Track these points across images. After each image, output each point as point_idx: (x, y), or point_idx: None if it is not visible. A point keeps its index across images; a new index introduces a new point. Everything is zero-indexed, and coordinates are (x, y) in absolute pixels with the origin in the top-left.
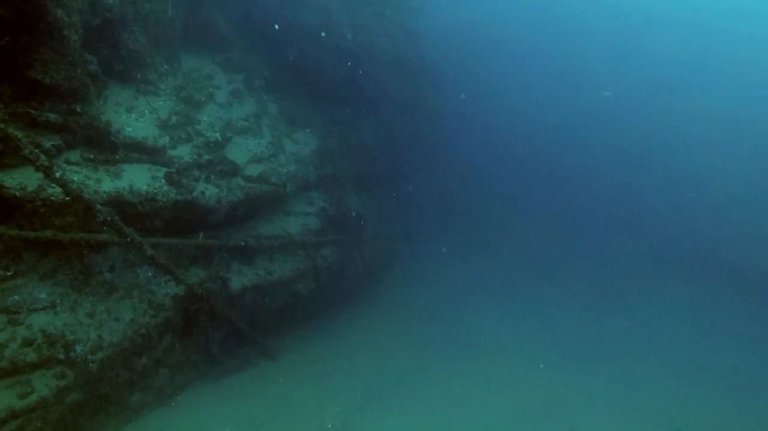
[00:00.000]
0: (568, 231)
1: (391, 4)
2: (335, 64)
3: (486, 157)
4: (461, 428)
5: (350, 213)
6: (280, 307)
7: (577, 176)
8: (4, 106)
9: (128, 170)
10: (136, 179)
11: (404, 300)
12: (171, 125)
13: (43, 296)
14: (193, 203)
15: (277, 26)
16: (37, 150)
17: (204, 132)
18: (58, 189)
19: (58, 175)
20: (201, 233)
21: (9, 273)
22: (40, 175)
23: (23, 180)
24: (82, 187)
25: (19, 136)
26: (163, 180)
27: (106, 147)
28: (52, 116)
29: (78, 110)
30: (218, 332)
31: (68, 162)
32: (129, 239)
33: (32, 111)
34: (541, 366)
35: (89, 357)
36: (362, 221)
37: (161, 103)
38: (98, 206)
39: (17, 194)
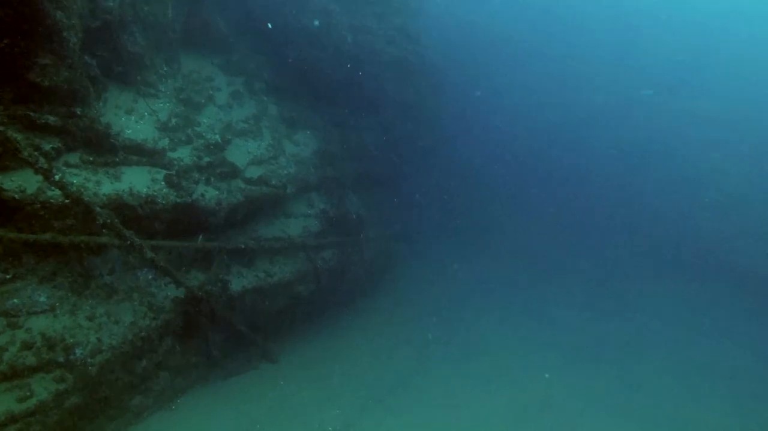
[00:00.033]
0: (568, 231)
1: (391, 6)
2: (335, 65)
3: (486, 157)
4: (461, 429)
5: (350, 215)
6: (281, 309)
7: (577, 176)
8: (3, 108)
9: (128, 172)
10: (136, 181)
11: (405, 301)
12: (171, 127)
13: (42, 299)
14: (192, 206)
15: (270, 25)
16: (36, 153)
17: (204, 134)
18: (58, 192)
19: (57, 177)
20: (200, 236)
21: (8, 276)
22: (40, 177)
23: (23, 183)
24: (82, 189)
25: (19, 138)
26: (162, 182)
27: (105, 149)
28: (51, 119)
29: (77, 112)
30: (218, 334)
31: (68, 165)
32: (129, 242)
33: (31, 114)
34: (547, 375)
35: (89, 360)
36: (362, 223)
37: (161, 105)
38: (98, 209)
39: (16, 196)
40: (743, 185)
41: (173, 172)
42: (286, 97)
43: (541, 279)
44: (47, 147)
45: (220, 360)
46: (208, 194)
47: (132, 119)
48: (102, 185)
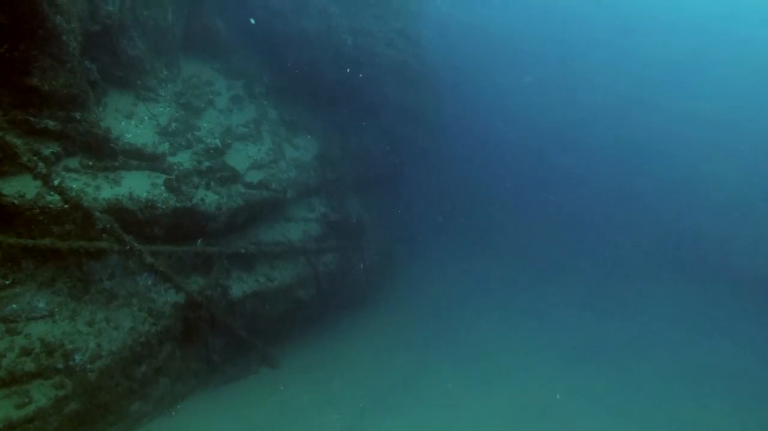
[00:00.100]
0: (568, 231)
1: (391, 8)
2: (335, 68)
3: (486, 158)
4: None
5: (351, 218)
6: (281, 314)
7: (577, 176)
8: (2, 113)
9: (127, 177)
10: (136, 186)
11: (405, 303)
12: (171, 131)
13: (41, 304)
14: (192, 210)
15: (253, 21)
16: (35, 158)
17: (204, 138)
18: (57, 197)
19: (56, 182)
20: (200, 240)
21: (7, 282)
22: (39, 182)
23: (22, 188)
24: (81, 194)
25: (18, 143)
26: (162, 187)
27: (105, 154)
28: (51, 123)
29: (77, 116)
30: (218, 339)
31: (67, 169)
32: (128, 247)
33: (31, 118)
34: (558, 396)
35: (88, 366)
36: (363, 226)
37: (161, 109)
38: (97, 214)
39: (16, 201)
40: (743, 185)
41: (173, 176)
42: (286, 101)
43: (541, 279)
44: (47, 152)
45: (220, 365)
46: (208, 198)
47: (132, 123)
48: (101, 190)
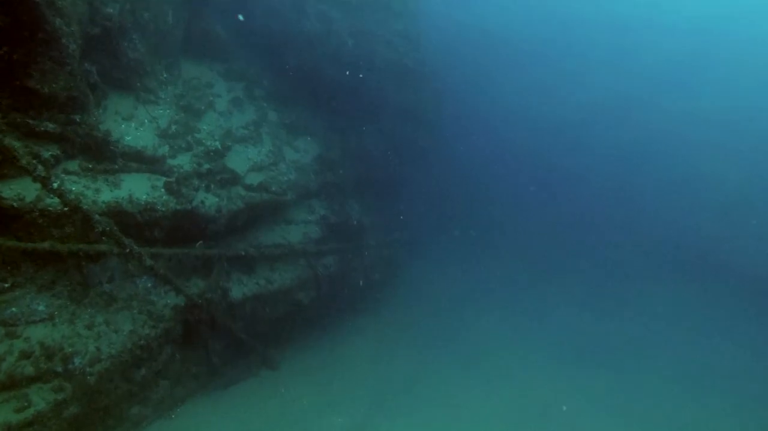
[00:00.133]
0: (568, 232)
1: (391, 10)
2: (335, 70)
3: (486, 159)
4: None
5: (351, 221)
6: (281, 317)
7: (577, 177)
8: (1, 116)
9: (127, 179)
10: (136, 188)
11: (405, 305)
12: (171, 133)
13: (41, 308)
14: (192, 213)
15: (241, 17)
16: (34, 160)
17: (204, 141)
18: (56, 200)
19: (55, 185)
20: (200, 242)
21: (6, 285)
22: (39, 185)
23: (21, 191)
24: (81, 197)
25: (17, 146)
26: (162, 190)
27: (105, 157)
28: (50, 126)
29: (77, 119)
30: (219, 342)
31: (67, 172)
32: (128, 250)
33: (30, 121)
34: (564, 408)
35: (88, 369)
36: (363, 228)
37: (161, 112)
38: (97, 217)
39: (15, 204)
40: (743, 185)
41: (173, 179)
42: (286, 103)
43: (541, 279)
44: (46, 154)
45: (221, 367)
46: (208, 201)
47: (132, 125)
48: (101, 193)
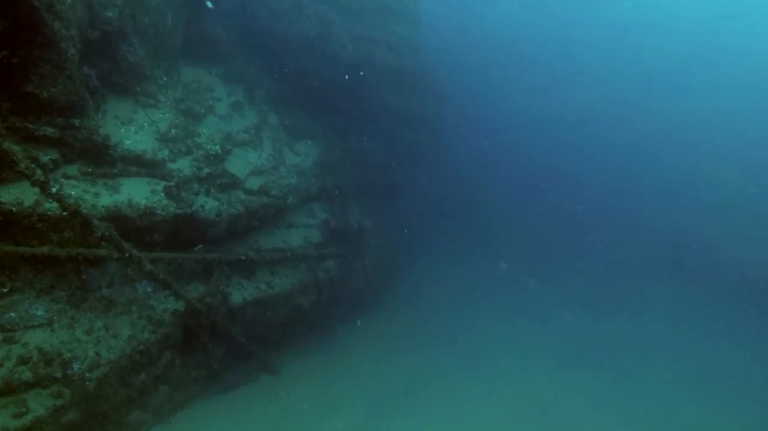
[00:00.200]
0: (568, 232)
1: (391, 14)
2: (335, 74)
3: (486, 160)
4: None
5: (352, 224)
6: (282, 321)
7: (577, 178)
8: (1, 120)
9: (127, 183)
10: (135, 192)
11: (405, 308)
12: (170, 137)
13: (39, 312)
14: (192, 217)
15: (209, 4)
16: (33, 165)
17: (204, 145)
18: (55, 204)
19: (54, 190)
20: (200, 247)
21: (5, 290)
22: (37, 190)
23: (20, 195)
24: (80, 201)
25: (16, 150)
26: (162, 194)
27: (104, 161)
28: (49, 130)
29: (76, 123)
30: (219, 347)
31: (66, 176)
32: (127, 254)
33: (30, 125)
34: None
35: (86, 374)
36: (364, 232)
37: (161, 115)
38: (96, 221)
39: (14, 209)
40: (743, 185)
41: (173, 183)
42: (286, 107)
43: (540, 280)
44: (45, 159)
45: (221, 372)
46: (208, 205)
47: (131, 129)
48: (100, 197)
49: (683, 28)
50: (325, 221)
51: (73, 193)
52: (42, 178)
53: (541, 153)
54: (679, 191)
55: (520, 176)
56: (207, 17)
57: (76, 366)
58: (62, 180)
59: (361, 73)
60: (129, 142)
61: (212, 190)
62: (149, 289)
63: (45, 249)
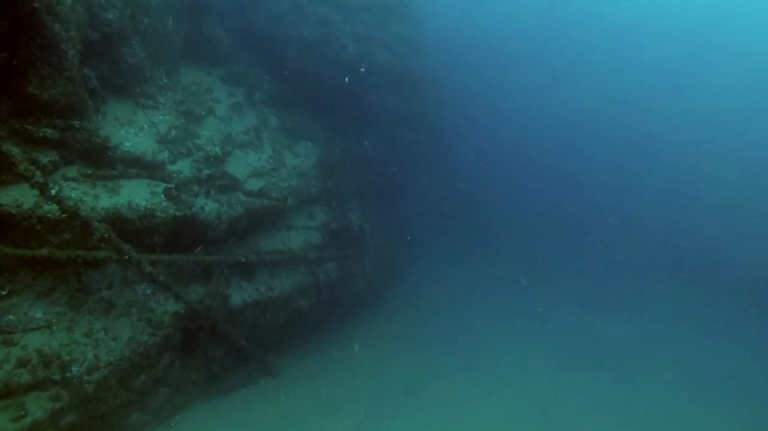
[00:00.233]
0: (568, 232)
1: (392, 15)
2: (336, 75)
3: (486, 161)
4: None
5: (352, 226)
6: (282, 323)
7: (577, 178)
8: (0, 122)
9: (126, 185)
10: (135, 194)
11: (405, 309)
12: (170, 139)
13: (38, 315)
14: (192, 219)
15: None
16: (32, 167)
17: (204, 146)
18: (55, 206)
19: (54, 192)
20: (200, 249)
21: (4, 292)
22: (37, 192)
23: (19, 197)
24: (79, 203)
25: (15, 152)
26: (162, 196)
27: (104, 162)
28: (49, 132)
29: (76, 125)
30: (218, 349)
31: (65, 178)
32: (127, 256)
33: (29, 127)
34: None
35: (86, 377)
36: (364, 234)
37: (160, 117)
38: (95, 223)
39: (13, 211)
40: (743, 185)
41: (172, 185)
42: (286, 108)
43: (540, 280)
44: (45, 160)
45: (220, 374)
46: (207, 207)
47: (131, 131)
48: (100, 199)
49: (683, 28)
50: (325, 223)
51: (72, 195)
52: (41, 180)
53: (541, 153)
54: (679, 191)
55: (520, 175)
56: (207, 19)
57: (75, 369)
58: (62, 182)
59: (362, 68)
60: (129, 143)
61: (212, 192)
62: (149, 291)
63: (44, 251)
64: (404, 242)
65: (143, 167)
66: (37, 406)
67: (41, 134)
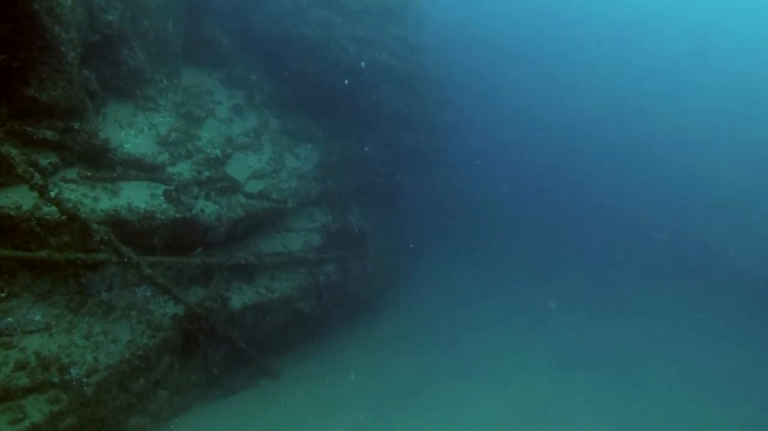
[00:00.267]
0: (568, 233)
1: (393, 17)
2: (336, 77)
3: (486, 161)
4: None
5: (352, 229)
6: (282, 326)
7: (576, 178)
8: (0, 124)
9: (126, 187)
10: (135, 196)
11: (406, 310)
12: (170, 141)
13: (37, 317)
14: (192, 221)
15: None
16: (31, 169)
17: (204, 148)
18: (54, 208)
19: (53, 194)
20: (199, 251)
21: (3, 294)
22: (36, 194)
23: (18, 199)
24: (79, 205)
25: (15, 154)
26: (161, 198)
27: (104, 164)
28: (49, 134)
29: (75, 127)
30: (218, 351)
31: (65, 180)
32: (126, 259)
33: (29, 129)
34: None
35: (85, 380)
36: (364, 236)
37: (161, 119)
38: (95, 225)
39: (12, 213)
40: (742, 185)
41: (172, 187)
42: (287, 110)
43: (540, 280)
44: (44, 162)
45: (220, 377)
46: (208, 209)
47: (131, 133)
48: (100, 201)
49: (683, 27)
50: (325, 224)
51: (72, 197)
52: (41, 182)
53: (541, 153)
54: (678, 191)
55: (520, 175)
56: (207, 21)
57: (74, 371)
58: (61, 184)
59: (363, 65)
60: (129, 145)
61: (212, 194)
62: (148, 293)
63: (43, 253)
64: (404, 242)
65: (143, 169)
66: (36, 409)
67: (41, 136)
